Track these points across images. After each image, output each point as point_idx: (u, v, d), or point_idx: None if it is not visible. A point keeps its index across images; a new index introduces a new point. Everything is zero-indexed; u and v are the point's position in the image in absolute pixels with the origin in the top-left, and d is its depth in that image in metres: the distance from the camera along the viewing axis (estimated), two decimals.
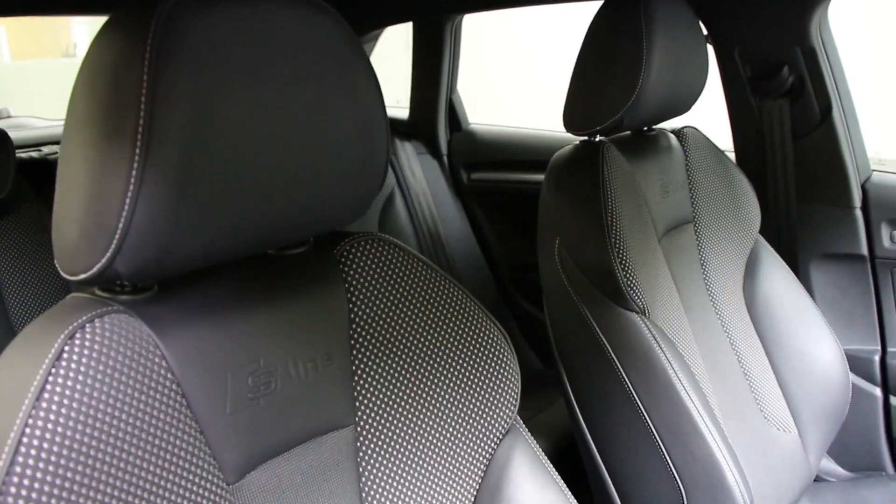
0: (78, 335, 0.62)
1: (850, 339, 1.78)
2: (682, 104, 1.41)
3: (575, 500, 0.89)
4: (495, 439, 0.86)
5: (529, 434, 0.90)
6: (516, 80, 5.62)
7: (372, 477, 0.79)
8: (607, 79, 1.25)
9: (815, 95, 1.67)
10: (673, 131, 1.50)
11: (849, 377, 1.55)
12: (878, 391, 1.76)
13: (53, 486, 0.57)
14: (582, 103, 1.29)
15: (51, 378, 0.59)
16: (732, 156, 1.82)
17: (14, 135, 1.74)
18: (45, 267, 1.72)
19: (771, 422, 1.43)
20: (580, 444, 1.33)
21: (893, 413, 1.75)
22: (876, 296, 1.77)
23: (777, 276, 1.55)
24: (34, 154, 1.99)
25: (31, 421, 0.57)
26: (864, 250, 1.74)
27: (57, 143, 2.07)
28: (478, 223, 2.37)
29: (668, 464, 1.20)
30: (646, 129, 1.47)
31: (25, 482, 0.56)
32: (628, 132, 1.45)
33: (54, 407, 0.58)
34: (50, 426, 0.58)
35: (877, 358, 1.76)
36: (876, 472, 1.77)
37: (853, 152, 1.72)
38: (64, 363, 0.60)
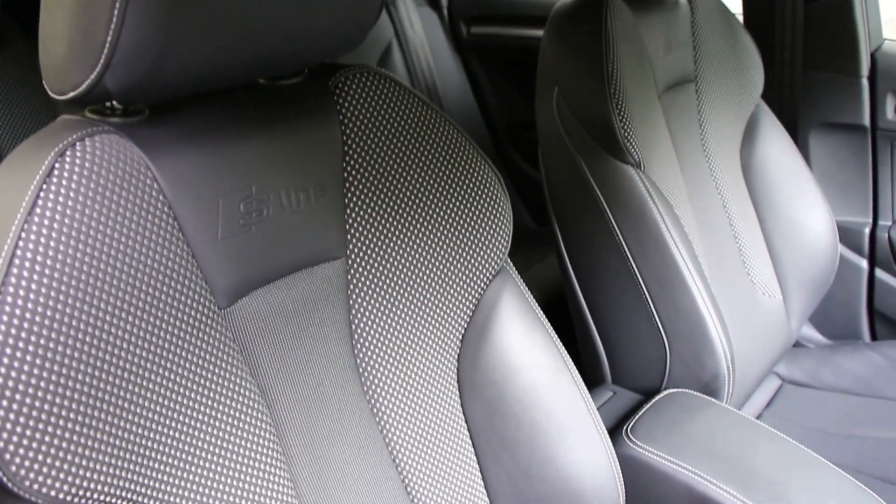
0: (68, 153, 0.61)
1: (842, 211, 1.79)
2: None
3: (561, 344, 0.91)
4: (485, 279, 0.87)
5: (519, 277, 0.91)
6: None
7: (362, 309, 0.81)
8: None
9: None
10: None
11: (837, 247, 1.57)
12: (864, 263, 1.78)
13: (48, 299, 0.57)
14: None
15: (42, 194, 0.59)
16: (741, 18, 1.77)
17: None
18: (36, 106, 1.69)
19: (757, 285, 1.45)
20: (569, 296, 1.35)
21: (877, 285, 1.78)
22: (873, 168, 1.77)
23: (775, 142, 1.53)
24: None
25: (23, 235, 0.57)
26: (867, 121, 1.72)
27: None
28: (477, 79, 2.32)
29: (653, 316, 1.22)
30: None
31: (21, 293, 0.56)
32: None
33: (46, 222, 0.58)
34: (43, 240, 0.58)
35: (867, 230, 1.78)
36: (854, 340, 1.81)
37: (866, 18, 1.67)
38: (55, 180, 0.60)
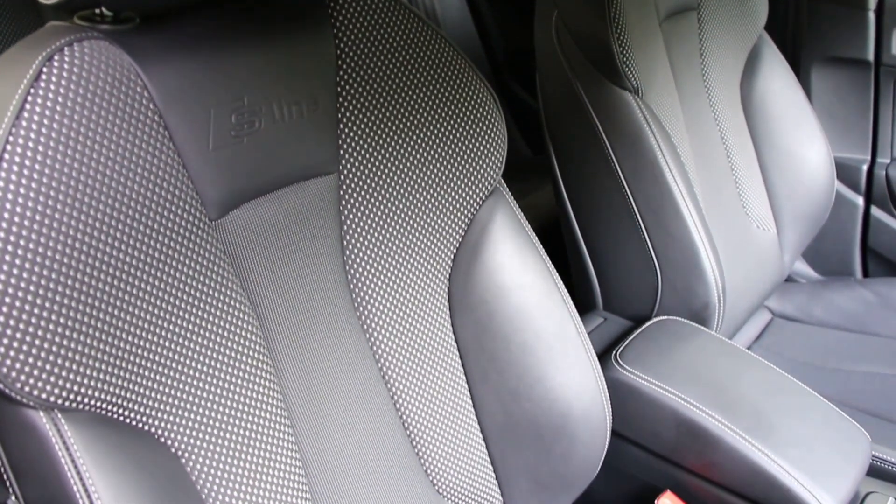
0: (56, 57, 0.60)
1: (841, 147, 1.78)
2: None
3: (552, 266, 0.91)
4: (478, 198, 0.86)
5: (513, 199, 0.91)
6: None
7: (353, 225, 0.80)
8: None
9: None
10: None
11: (834, 183, 1.56)
12: (860, 200, 1.78)
13: (37, 204, 0.57)
14: None
15: (30, 98, 0.58)
16: None
17: None
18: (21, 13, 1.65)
19: (752, 218, 1.45)
20: (563, 224, 1.35)
21: (872, 223, 1.78)
22: (874, 105, 1.75)
23: (776, 74, 1.51)
24: None
25: (11, 139, 0.57)
26: (871, 56, 1.70)
27: None
28: (477, 5, 2.28)
29: (646, 243, 1.23)
30: None
31: (9, 198, 0.56)
32: None
33: (34, 126, 0.58)
34: (31, 144, 0.57)
35: (864, 167, 1.77)
36: (846, 277, 1.82)
37: None
38: (43, 84, 0.59)
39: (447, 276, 0.87)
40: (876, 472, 1.12)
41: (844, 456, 1.02)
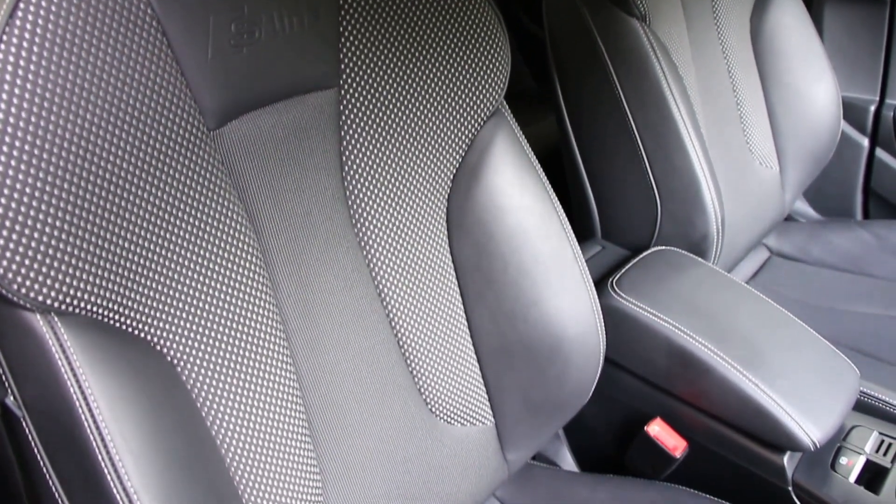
0: None
1: (849, 86, 1.76)
2: None
3: (552, 191, 0.91)
4: (480, 118, 0.85)
5: (515, 122, 0.90)
6: None
7: (353, 141, 0.80)
8: None
9: None
10: None
11: (840, 122, 1.55)
12: (865, 141, 1.77)
13: (32, 105, 0.56)
14: None
15: (22, 3, 0.57)
16: None
17: None
18: None
19: (755, 154, 1.44)
20: (564, 152, 1.34)
21: (876, 164, 1.77)
22: (887, 44, 1.72)
23: (788, 10, 1.49)
24: None
25: (5, 38, 0.56)
26: None
27: None
28: None
29: (647, 173, 1.22)
30: None
31: (4, 98, 0.55)
32: None
33: (28, 27, 0.56)
34: (25, 45, 0.56)
35: (872, 108, 1.75)
36: (846, 218, 1.82)
37: None
38: None
39: (446, 196, 0.86)
40: (862, 406, 1.14)
41: (833, 390, 1.04)
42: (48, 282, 0.58)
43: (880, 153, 1.76)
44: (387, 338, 0.84)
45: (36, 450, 0.64)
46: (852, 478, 1.01)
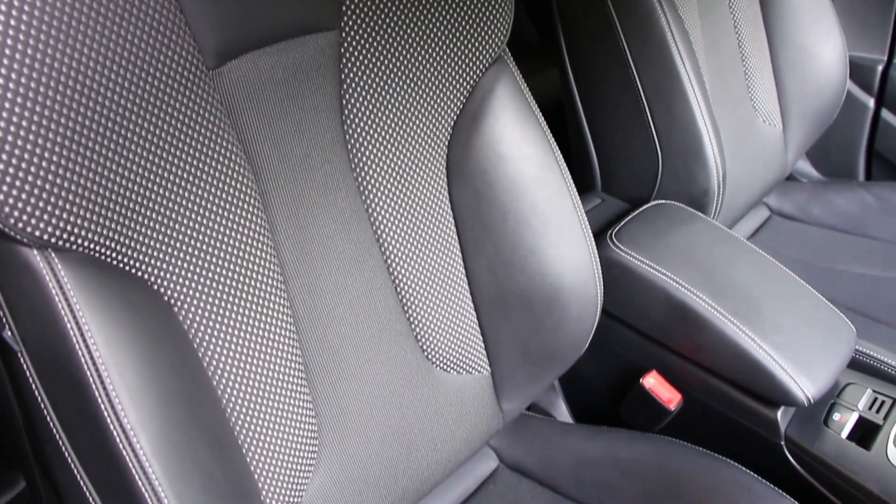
0: None
1: (857, 45, 1.74)
2: None
3: (553, 141, 0.90)
4: (482, 65, 0.84)
5: (517, 70, 0.89)
6: None
7: (353, 84, 0.79)
8: None
9: None
10: None
11: (846, 82, 1.53)
12: (871, 102, 1.75)
13: (28, 37, 0.55)
14: None
15: None
16: None
17: None
18: None
19: (759, 112, 1.43)
20: (566, 105, 1.33)
21: (880, 125, 1.76)
22: None
23: None
24: None
25: None
26: None
27: None
28: None
29: (649, 126, 1.21)
30: None
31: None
32: None
33: None
34: None
35: (880, 68, 1.73)
36: (847, 179, 1.81)
37: None
38: None
39: (446, 143, 0.86)
40: (857, 365, 1.14)
41: (829, 346, 1.04)
42: (45, 217, 0.57)
43: (885, 114, 1.75)
44: (384, 283, 0.84)
45: (33, 384, 0.65)
46: (844, 434, 1.02)
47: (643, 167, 1.25)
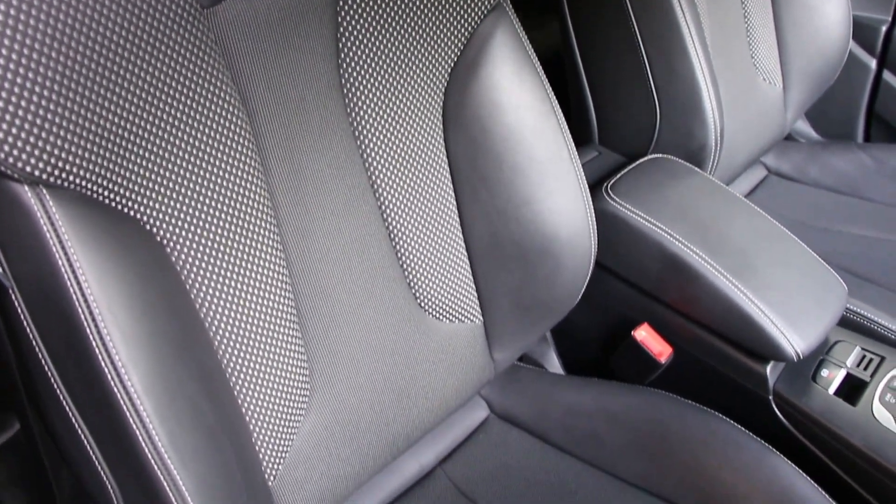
0: None
1: (861, 5, 1.72)
2: None
3: (551, 91, 0.89)
4: (480, 11, 0.83)
5: (517, 18, 0.88)
6: None
7: (350, 27, 0.78)
8: None
9: None
10: None
11: (849, 42, 1.52)
12: (873, 63, 1.74)
13: None
14: None
15: None
16: None
17: None
18: None
19: (759, 70, 1.42)
20: (566, 57, 1.32)
21: (882, 87, 1.75)
22: None
23: None
24: None
25: None
26: None
27: None
28: None
29: (648, 80, 1.20)
30: None
31: None
32: None
33: None
34: None
35: (883, 28, 1.72)
36: (846, 140, 1.80)
37: None
38: None
39: (443, 90, 0.85)
40: (847, 323, 1.15)
41: (820, 303, 1.04)
42: (36, 153, 0.57)
43: (887, 76, 1.73)
44: (378, 229, 0.84)
45: (25, 323, 0.65)
46: (832, 389, 1.02)
47: (641, 121, 1.24)
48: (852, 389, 1.02)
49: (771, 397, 1.03)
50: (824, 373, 1.04)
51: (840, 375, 1.04)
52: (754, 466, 0.92)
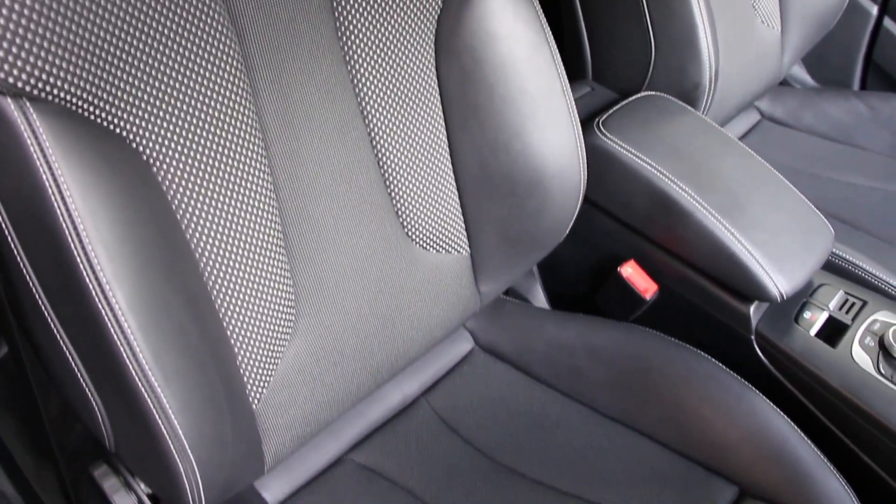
0: None
1: None
2: None
3: (546, 23, 0.88)
4: None
5: None
6: None
7: None
8: None
9: None
10: None
11: None
12: (874, 9, 1.71)
13: None
14: None
15: None
16: None
17: None
18: None
19: (757, 11, 1.40)
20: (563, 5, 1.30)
21: (881, 34, 1.73)
22: None
23: None
24: None
25: None
26: None
27: None
28: None
29: (644, 16, 1.17)
30: None
31: None
32: None
33: None
34: None
35: None
36: (842, 87, 1.79)
37: None
38: None
39: (436, 17, 0.84)
40: (832, 267, 1.16)
41: (806, 246, 1.05)
42: (19, 63, 0.56)
43: (888, 23, 1.71)
44: (367, 156, 0.83)
45: (10, 239, 0.64)
46: (813, 331, 1.03)
47: (635, 57, 1.23)
48: (833, 332, 1.03)
49: (753, 337, 1.04)
50: (807, 315, 1.05)
51: (822, 318, 1.05)
52: (734, 404, 0.93)
